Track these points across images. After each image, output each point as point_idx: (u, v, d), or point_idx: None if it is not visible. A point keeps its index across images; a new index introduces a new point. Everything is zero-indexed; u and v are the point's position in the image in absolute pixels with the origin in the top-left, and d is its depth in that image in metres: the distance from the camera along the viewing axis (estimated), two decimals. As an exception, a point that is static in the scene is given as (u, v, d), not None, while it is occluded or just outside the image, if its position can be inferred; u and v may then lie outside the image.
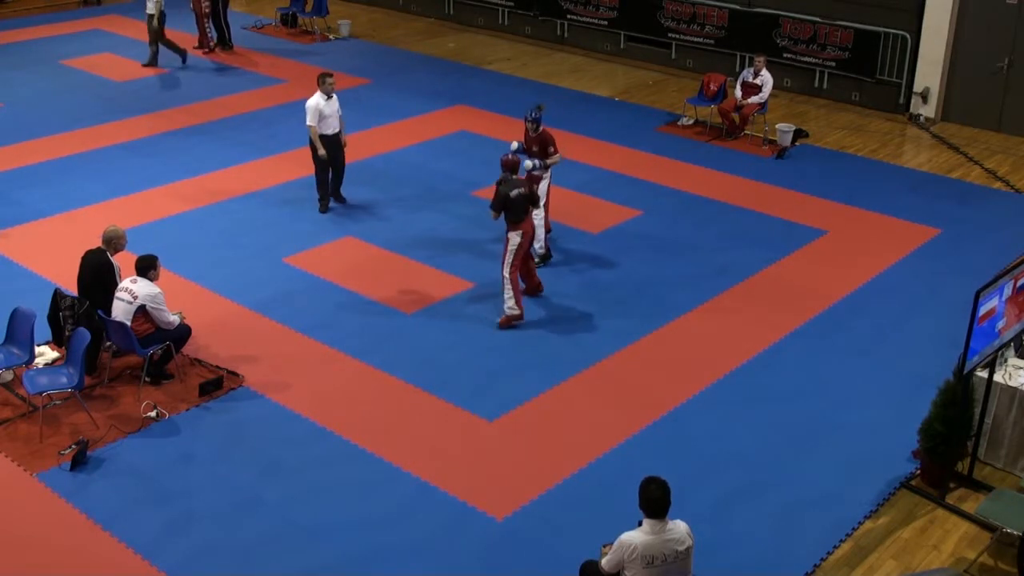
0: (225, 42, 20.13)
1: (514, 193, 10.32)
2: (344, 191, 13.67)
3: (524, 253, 10.54)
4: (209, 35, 19.94)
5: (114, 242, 9.65)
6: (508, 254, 10.45)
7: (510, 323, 10.54)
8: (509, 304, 10.48)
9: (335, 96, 12.77)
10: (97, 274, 9.53)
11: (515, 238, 10.40)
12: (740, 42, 18.12)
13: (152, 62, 18.89)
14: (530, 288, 11.05)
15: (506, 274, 10.44)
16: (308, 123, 12.67)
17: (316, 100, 12.63)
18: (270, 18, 22.25)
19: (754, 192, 13.92)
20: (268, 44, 20.74)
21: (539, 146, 11.50)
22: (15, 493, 8.13)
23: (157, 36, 18.73)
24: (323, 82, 12.67)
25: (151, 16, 18.45)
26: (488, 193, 13.61)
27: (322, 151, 12.68)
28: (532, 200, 10.53)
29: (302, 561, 7.48)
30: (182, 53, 19.10)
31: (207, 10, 19.70)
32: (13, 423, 8.93)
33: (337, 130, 12.82)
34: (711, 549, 7.29)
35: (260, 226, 12.72)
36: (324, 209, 13.03)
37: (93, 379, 9.46)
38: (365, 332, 10.42)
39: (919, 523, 7.99)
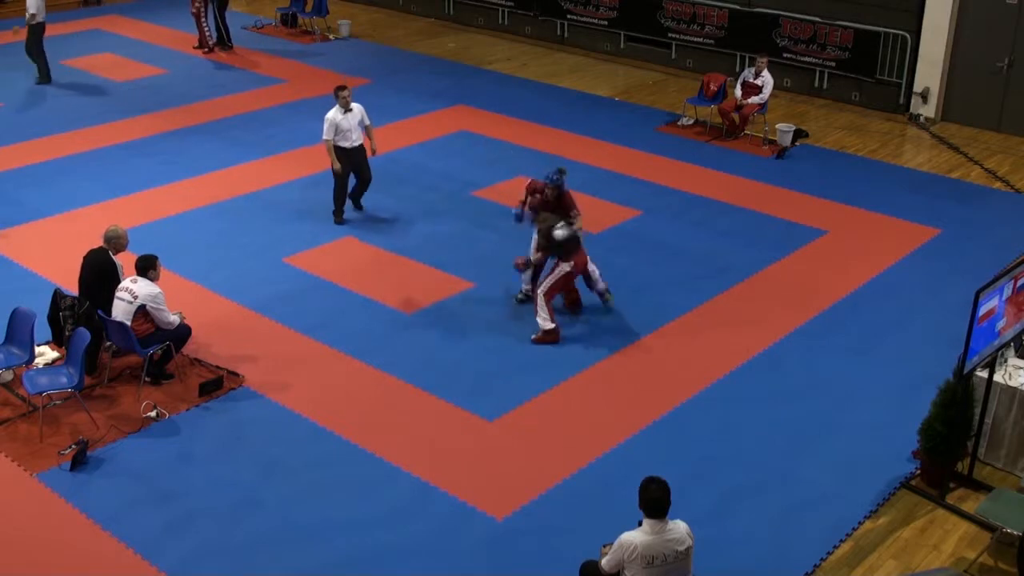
0: (224, 42, 20.12)
1: (560, 234, 10.02)
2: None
3: (570, 281, 10.30)
4: (208, 35, 19.93)
5: (115, 241, 9.66)
6: (552, 276, 10.16)
7: (546, 339, 10.20)
8: (543, 323, 10.19)
9: (357, 107, 12.47)
10: (100, 273, 9.53)
11: (566, 267, 10.15)
12: (740, 42, 18.12)
13: (45, 77, 18.07)
14: (568, 302, 10.77)
15: (540, 292, 10.17)
16: (324, 137, 12.38)
17: (333, 114, 12.34)
18: (270, 18, 22.26)
19: (754, 192, 13.92)
20: (268, 44, 20.74)
21: (560, 210, 10.52)
22: (15, 493, 8.13)
23: (32, 47, 17.65)
24: (337, 95, 12.37)
25: (31, 27, 17.49)
26: (488, 193, 13.65)
27: (336, 166, 12.41)
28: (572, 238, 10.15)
29: (302, 561, 7.48)
30: (46, 73, 17.96)
31: (195, 10, 19.60)
32: (13, 423, 8.93)
33: (357, 143, 12.48)
34: (711, 549, 7.29)
35: (260, 226, 12.72)
36: (339, 220, 12.75)
37: (93, 379, 9.46)
38: (365, 332, 10.42)
39: (919, 523, 7.99)
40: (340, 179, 12.62)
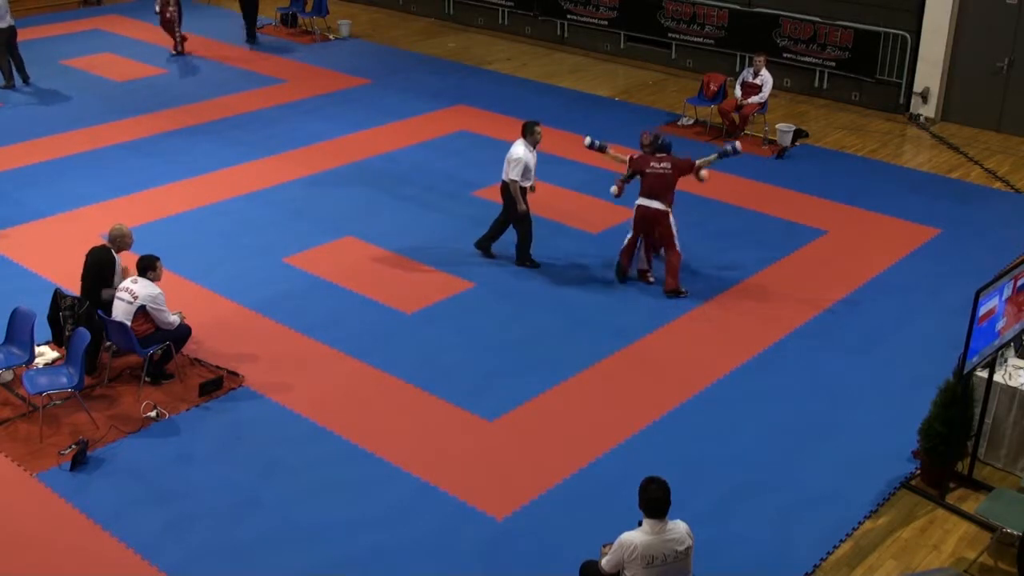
0: (252, 36, 20.55)
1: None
2: (344, 191, 13.70)
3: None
4: (178, 38, 19.60)
5: (118, 241, 9.67)
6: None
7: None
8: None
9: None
10: (99, 270, 9.55)
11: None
12: (740, 42, 18.12)
13: (9, 83, 17.64)
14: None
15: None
16: (513, 177, 11.22)
17: (525, 153, 11.22)
18: (270, 18, 22.24)
19: (754, 192, 13.92)
20: (268, 44, 20.75)
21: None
22: (15, 493, 8.13)
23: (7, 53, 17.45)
24: (532, 132, 11.31)
25: (1, 29, 17.12)
26: (488, 193, 13.64)
27: (523, 207, 11.37)
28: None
29: (302, 561, 7.48)
30: (10, 82, 17.66)
31: (170, 15, 19.31)
32: (13, 423, 8.93)
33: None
34: (711, 549, 7.30)
35: (260, 226, 12.72)
36: (534, 263, 11.71)
37: (93, 379, 9.45)
38: (365, 332, 10.42)
39: (919, 523, 7.99)
40: (529, 220, 11.58)
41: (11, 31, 17.36)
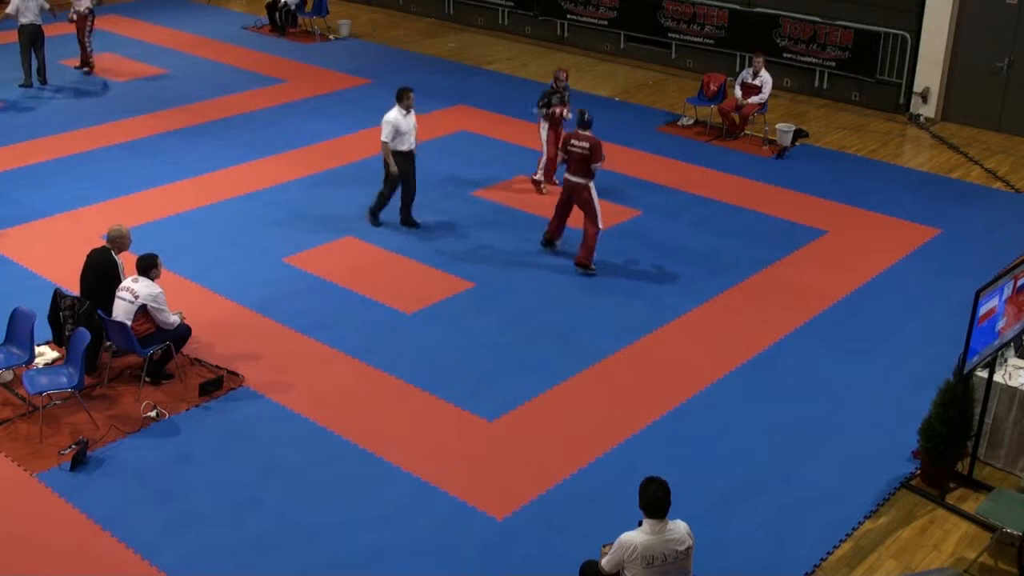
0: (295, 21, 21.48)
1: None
2: (344, 191, 13.69)
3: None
4: (89, 51, 18.77)
5: (118, 241, 9.66)
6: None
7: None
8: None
9: (412, 111, 12.32)
10: (101, 272, 9.54)
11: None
12: (740, 42, 18.13)
13: (29, 81, 17.72)
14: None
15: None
16: (383, 139, 12.17)
17: (394, 115, 12.15)
18: (264, 18, 22.22)
19: (754, 192, 13.92)
20: (268, 44, 20.76)
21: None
22: (15, 493, 8.13)
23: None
24: (406, 97, 12.18)
25: (24, 25, 17.21)
26: (488, 193, 13.65)
27: (394, 169, 12.22)
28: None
29: (302, 561, 7.48)
30: (28, 80, 17.76)
31: (89, 26, 18.53)
32: (13, 423, 8.93)
33: (413, 147, 12.37)
34: (711, 549, 7.29)
35: (260, 226, 12.72)
36: (377, 223, 12.61)
37: (93, 379, 9.45)
38: (365, 332, 10.42)
39: (919, 523, 7.99)
40: (394, 183, 12.40)
41: (34, 29, 17.34)
